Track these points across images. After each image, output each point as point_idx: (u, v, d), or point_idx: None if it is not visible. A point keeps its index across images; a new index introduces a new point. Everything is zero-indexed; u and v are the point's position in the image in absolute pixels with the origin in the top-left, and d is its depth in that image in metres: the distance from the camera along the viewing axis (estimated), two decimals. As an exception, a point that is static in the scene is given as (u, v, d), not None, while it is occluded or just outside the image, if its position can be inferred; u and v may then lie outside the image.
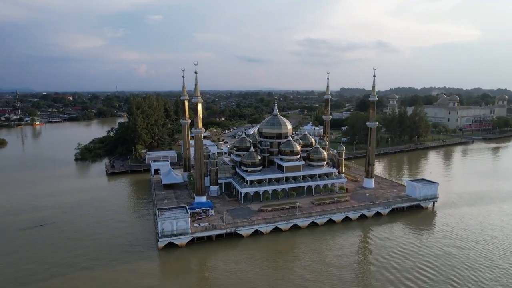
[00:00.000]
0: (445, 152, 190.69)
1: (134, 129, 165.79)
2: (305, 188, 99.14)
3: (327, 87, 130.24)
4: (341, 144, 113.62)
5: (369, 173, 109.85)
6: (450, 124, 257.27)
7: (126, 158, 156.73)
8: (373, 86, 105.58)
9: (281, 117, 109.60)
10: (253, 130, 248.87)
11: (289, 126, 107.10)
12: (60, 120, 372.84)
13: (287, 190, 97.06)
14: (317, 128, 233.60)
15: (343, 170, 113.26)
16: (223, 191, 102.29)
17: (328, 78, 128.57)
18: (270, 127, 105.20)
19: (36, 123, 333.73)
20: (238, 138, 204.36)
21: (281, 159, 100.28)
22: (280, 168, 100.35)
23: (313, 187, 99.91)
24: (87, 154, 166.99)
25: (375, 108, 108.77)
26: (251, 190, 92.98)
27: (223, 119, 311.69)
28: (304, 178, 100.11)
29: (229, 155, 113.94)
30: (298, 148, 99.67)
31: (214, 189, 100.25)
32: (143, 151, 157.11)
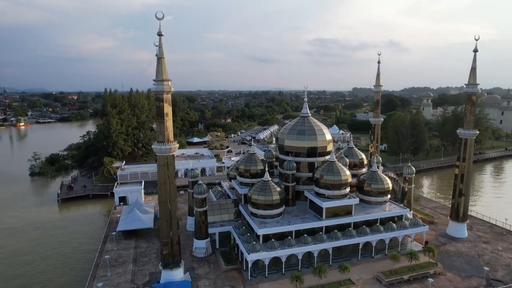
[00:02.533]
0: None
1: (107, 134, 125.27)
2: (360, 246, 56.63)
3: (378, 75, 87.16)
4: (409, 165, 70.39)
5: (460, 213, 66.47)
6: (504, 126, 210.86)
7: (97, 173, 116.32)
8: (473, 68, 62.11)
9: (315, 120, 67.06)
10: (264, 134, 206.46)
11: (328, 136, 64.48)
12: (49, 120, 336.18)
13: (330, 253, 54.57)
14: (343, 131, 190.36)
15: (411, 205, 70.56)
16: (217, 248, 60.31)
17: (379, 62, 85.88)
18: (297, 138, 62.61)
19: (21, 124, 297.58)
20: (244, 148, 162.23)
21: (317, 194, 57.91)
22: (315, 208, 58.05)
23: (374, 244, 57.25)
24: (46, 167, 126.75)
25: (474, 105, 64.99)
26: (265, 255, 50.71)
27: (230, 120, 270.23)
28: (356, 226, 57.65)
29: (230, 180, 71.96)
30: (348, 175, 56.98)
31: (201, 244, 58.31)
32: (115, 164, 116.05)
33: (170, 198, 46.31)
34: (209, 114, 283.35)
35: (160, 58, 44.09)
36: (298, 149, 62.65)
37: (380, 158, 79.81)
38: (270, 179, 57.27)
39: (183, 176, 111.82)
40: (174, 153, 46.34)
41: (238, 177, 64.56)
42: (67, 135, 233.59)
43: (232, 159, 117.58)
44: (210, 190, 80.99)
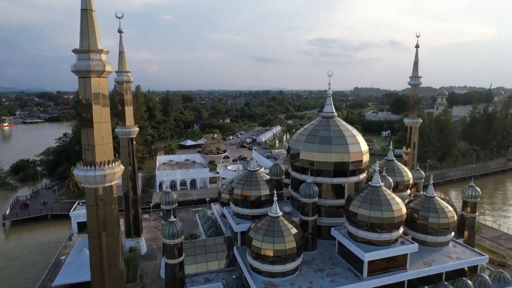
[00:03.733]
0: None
1: (80, 137, 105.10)
2: (421, 319, 36.60)
3: (415, 63, 67.02)
4: (472, 185, 50.26)
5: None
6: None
7: (62, 186, 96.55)
8: None
9: (343, 122, 47.15)
10: (266, 136, 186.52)
11: (364, 145, 44.46)
12: (37, 120, 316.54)
13: (378, 334, 34.56)
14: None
15: (475, 240, 50.54)
16: (200, 317, 40.24)
17: (417, 47, 66.01)
18: (319, 149, 42.48)
19: (4, 124, 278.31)
20: (244, 152, 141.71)
21: (351, 235, 37.92)
22: (348, 255, 38.11)
23: (441, 315, 37.19)
24: (7, 177, 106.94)
25: None
26: None
27: (228, 120, 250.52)
28: (412, 284, 37.66)
29: (222, 205, 51.84)
30: (402, 208, 36.86)
31: (174, 314, 38.13)
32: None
33: (109, 262, 26.23)
34: (207, 114, 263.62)
35: (85, 10, 24.04)
36: (321, 165, 42.56)
37: (423, 173, 60.12)
38: (281, 213, 37.21)
39: (168, 189, 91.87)
40: (115, 182, 26.26)
41: (232, 205, 44.45)
42: (51, 137, 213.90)
43: (228, 168, 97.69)
44: (196, 214, 61.55)
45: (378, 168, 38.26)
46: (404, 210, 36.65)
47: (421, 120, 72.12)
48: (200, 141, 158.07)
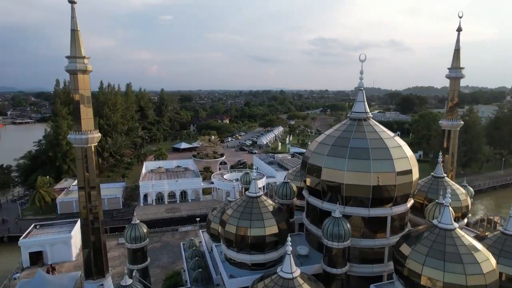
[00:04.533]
0: None
1: (54, 142, 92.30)
2: None
3: (457, 50, 53.68)
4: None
5: None
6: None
7: (26, 201, 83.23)
8: None
9: (381, 127, 33.53)
10: (267, 137, 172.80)
11: (413, 159, 31.05)
12: (28, 121, 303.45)
13: None
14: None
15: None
16: None
17: (459, 30, 52.81)
18: (349, 166, 28.97)
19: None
20: (243, 156, 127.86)
21: (408, 305, 24.31)
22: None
23: None
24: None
25: None
26: None
27: (227, 120, 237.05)
28: None
29: (210, 236, 38.36)
30: (496, 269, 23.27)
31: None
32: (63, 184, 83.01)
33: None
34: (204, 114, 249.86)
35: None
36: (353, 189, 29.05)
37: (472, 190, 46.53)
38: (298, 271, 23.63)
39: (154, 203, 78.63)
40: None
41: (224, 247, 30.88)
42: (38, 138, 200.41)
43: (224, 177, 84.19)
44: (181, 244, 47.97)
45: (450, 201, 24.60)
46: (497, 270, 23.09)
47: (463, 122, 58.82)
48: (195, 144, 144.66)
